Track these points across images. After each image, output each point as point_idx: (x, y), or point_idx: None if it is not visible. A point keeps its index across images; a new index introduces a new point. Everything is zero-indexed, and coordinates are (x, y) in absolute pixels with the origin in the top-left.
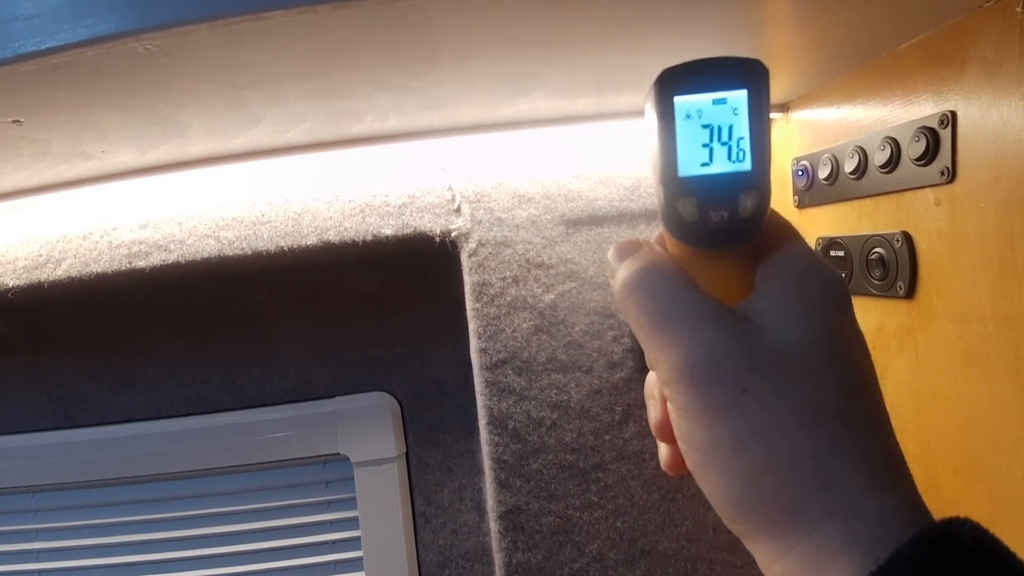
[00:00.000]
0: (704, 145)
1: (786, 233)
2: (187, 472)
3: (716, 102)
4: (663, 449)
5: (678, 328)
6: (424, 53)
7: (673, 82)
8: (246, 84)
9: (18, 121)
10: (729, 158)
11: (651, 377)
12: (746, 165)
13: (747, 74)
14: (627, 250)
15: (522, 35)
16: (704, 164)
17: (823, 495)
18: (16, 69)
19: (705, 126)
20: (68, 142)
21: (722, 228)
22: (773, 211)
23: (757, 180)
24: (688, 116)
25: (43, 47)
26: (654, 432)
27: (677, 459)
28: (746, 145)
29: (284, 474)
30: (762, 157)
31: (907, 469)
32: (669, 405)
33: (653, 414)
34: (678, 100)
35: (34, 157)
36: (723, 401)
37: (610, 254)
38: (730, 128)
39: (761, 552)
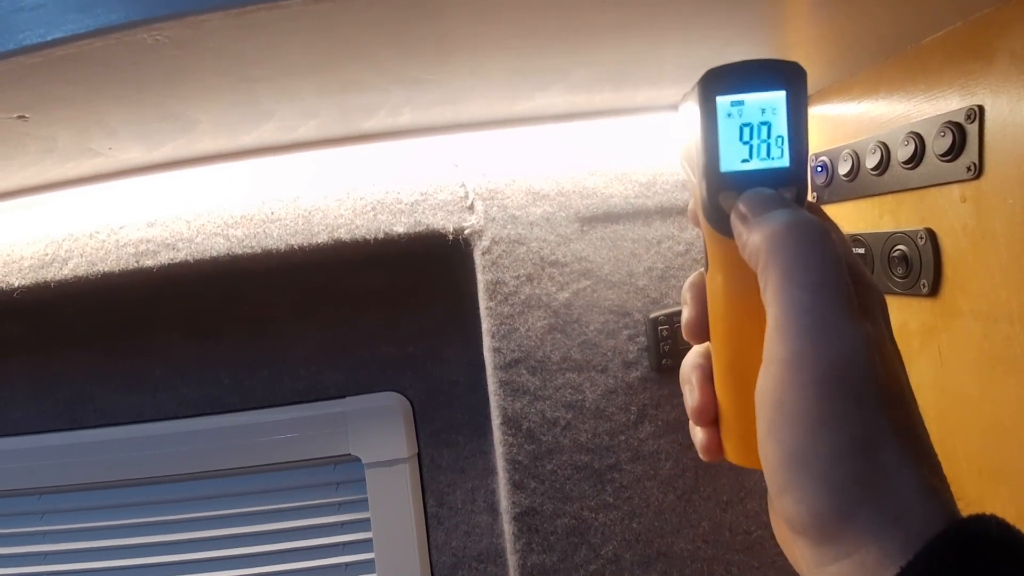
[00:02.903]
0: (744, 142)
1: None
2: (196, 474)
3: (756, 102)
4: (700, 433)
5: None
6: (440, 45)
7: (716, 82)
8: (258, 78)
9: (23, 116)
10: (768, 155)
11: (688, 360)
12: (784, 162)
13: (786, 76)
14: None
15: (543, 27)
16: (744, 160)
17: (894, 504)
18: (21, 61)
19: (745, 124)
20: (75, 138)
21: None
22: (811, 204)
23: (795, 176)
24: (729, 115)
25: (49, 38)
26: (692, 417)
27: (715, 443)
28: (784, 143)
29: (295, 475)
30: (800, 154)
31: (943, 473)
32: (767, 397)
33: (691, 399)
34: (720, 99)
35: (40, 154)
36: (839, 410)
37: (750, 202)
38: (769, 127)
39: (817, 554)
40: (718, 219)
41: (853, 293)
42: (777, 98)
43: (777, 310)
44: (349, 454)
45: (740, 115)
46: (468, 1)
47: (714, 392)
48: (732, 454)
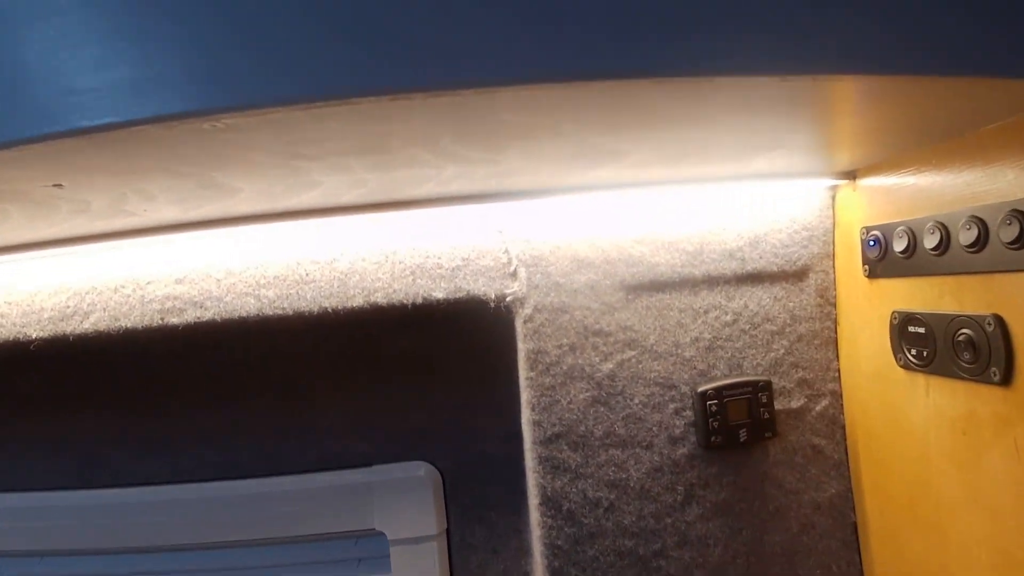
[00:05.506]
0: None
1: None
2: (209, 543)
3: None
4: None
5: None
6: (499, 133)
7: None
8: (312, 156)
9: (59, 185)
10: None
11: None
12: None
13: None
14: None
15: (602, 119)
16: None
17: None
18: (67, 144)
19: None
20: (110, 203)
21: None
22: None
23: None
24: None
25: (100, 122)
26: None
27: None
28: None
29: (314, 549)
30: None
31: None
32: None
33: None
34: None
35: (71, 214)
36: None
37: None
38: None
39: None
40: None
41: None
42: None
43: None
44: (373, 528)
45: None
46: (529, 98)
47: None
48: None
